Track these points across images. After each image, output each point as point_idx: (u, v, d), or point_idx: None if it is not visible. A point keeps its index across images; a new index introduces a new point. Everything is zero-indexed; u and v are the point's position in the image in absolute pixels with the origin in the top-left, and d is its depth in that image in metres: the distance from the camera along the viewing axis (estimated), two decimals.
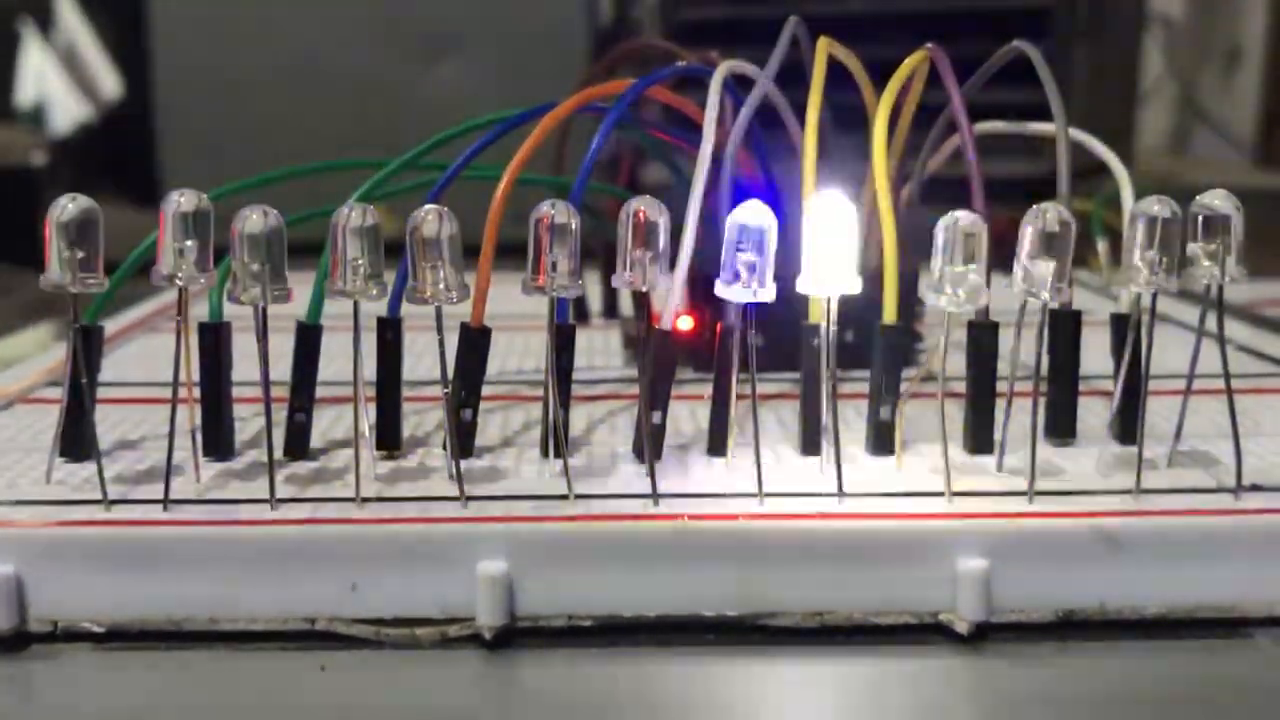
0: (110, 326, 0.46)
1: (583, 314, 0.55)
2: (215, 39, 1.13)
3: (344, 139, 1.05)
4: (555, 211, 0.31)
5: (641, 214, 0.31)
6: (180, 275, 0.30)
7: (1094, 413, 0.38)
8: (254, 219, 0.30)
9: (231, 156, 1.02)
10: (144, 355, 0.50)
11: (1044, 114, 0.38)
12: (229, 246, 0.30)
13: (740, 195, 0.33)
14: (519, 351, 0.49)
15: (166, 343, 0.33)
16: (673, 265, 0.33)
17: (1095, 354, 0.37)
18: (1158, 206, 0.31)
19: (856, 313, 0.34)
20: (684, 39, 0.66)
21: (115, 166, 1.28)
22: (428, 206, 0.31)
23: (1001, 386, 0.34)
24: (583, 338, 0.38)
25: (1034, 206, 0.31)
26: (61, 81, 1.30)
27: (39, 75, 1.30)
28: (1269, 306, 0.59)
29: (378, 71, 1.12)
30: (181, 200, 0.30)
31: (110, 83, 1.32)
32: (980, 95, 0.39)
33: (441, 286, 0.30)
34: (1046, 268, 0.30)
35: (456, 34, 1.12)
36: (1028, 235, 0.31)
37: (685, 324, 0.42)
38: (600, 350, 0.50)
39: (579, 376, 0.39)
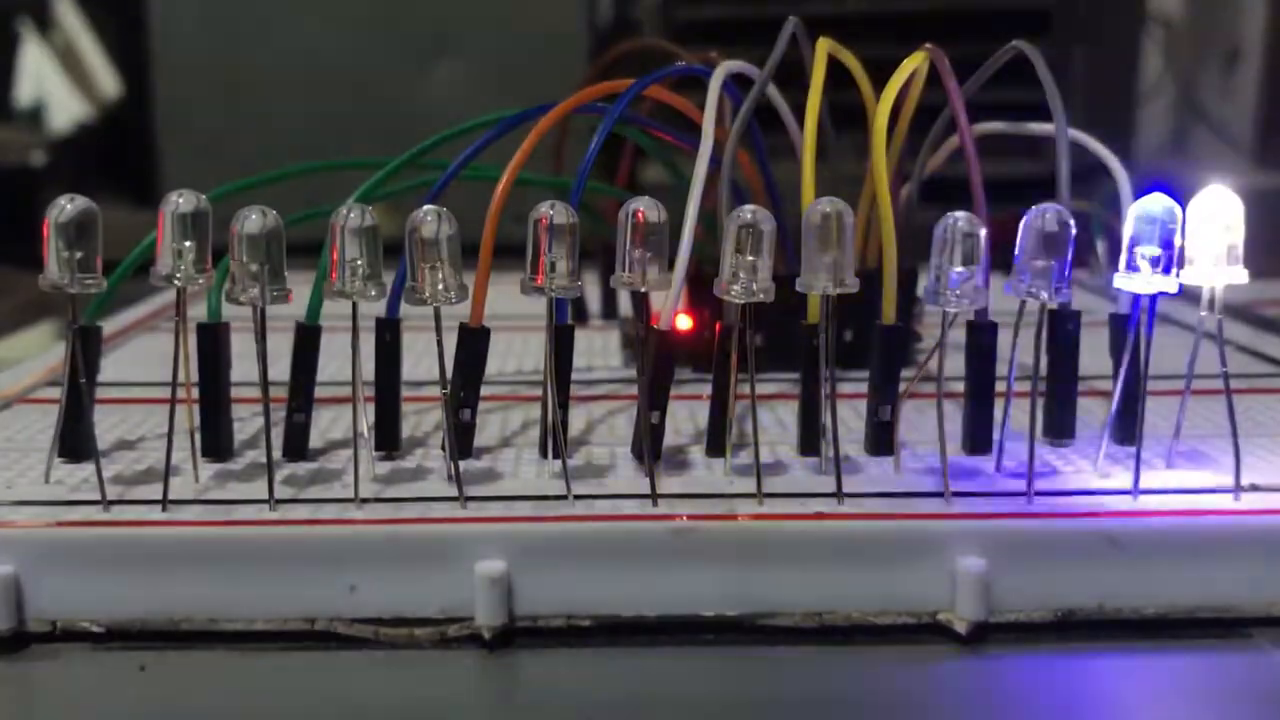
0: (109, 326, 0.47)
1: (582, 314, 0.55)
2: (215, 39, 1.12)
3: (343, 139, 1.05)
4: (554, 212, 0.31)
5: (640, 214, 0.31)
6: (179, 275, 0.30)
7: (1093, 413, 0.38)
8: (253, 219, 0.30)
9: (231, 157, 1.02)
10: (143, 355, 0.50)
11: (1043, 114, 0.38)
12: (228, 247, 0.30)
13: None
14: (518, 352, 0.49)
15: (165, 343, 0.33)
16: (672, 265, 0.33)
17: (1094, 354, 0.37)
18: (1158, 206, 0.31)
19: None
20: (683, 39, 0.66)
21: (114, 166, 1.28)
22: (426, 207, 0.31)
23: (1000, 386, 0.34)
24: (582, 338, 0.38)
25: (1033, 207, 0.31)
26: (60, 81, 1.30)
27: (38, 74, 1.30)
28: (1268, 307, 0.59)
29: (377, 71, 1.12)
30: (180, 201, 0.30)
31: (109, 82, 1.32)
32: (980, 95, 0.39)
33: (440, 287, 0.30)
34: (1046, 268, 0.30)
35: (456, 34, 1.12)
36: (1027, 235, 0.31)
37: (684, 324, 0.42)
38: (599, 351, 0.50)
39: (578, 377, 0.39)
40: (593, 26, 1.13)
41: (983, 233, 0.30)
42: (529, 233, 0.31)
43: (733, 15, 1.02)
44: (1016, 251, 0.31)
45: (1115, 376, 0.34)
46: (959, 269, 0.30)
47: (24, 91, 1.30)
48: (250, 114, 1.11)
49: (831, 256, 0.31)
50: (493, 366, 0.38)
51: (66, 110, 1.31)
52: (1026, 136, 0.43)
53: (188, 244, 0.30)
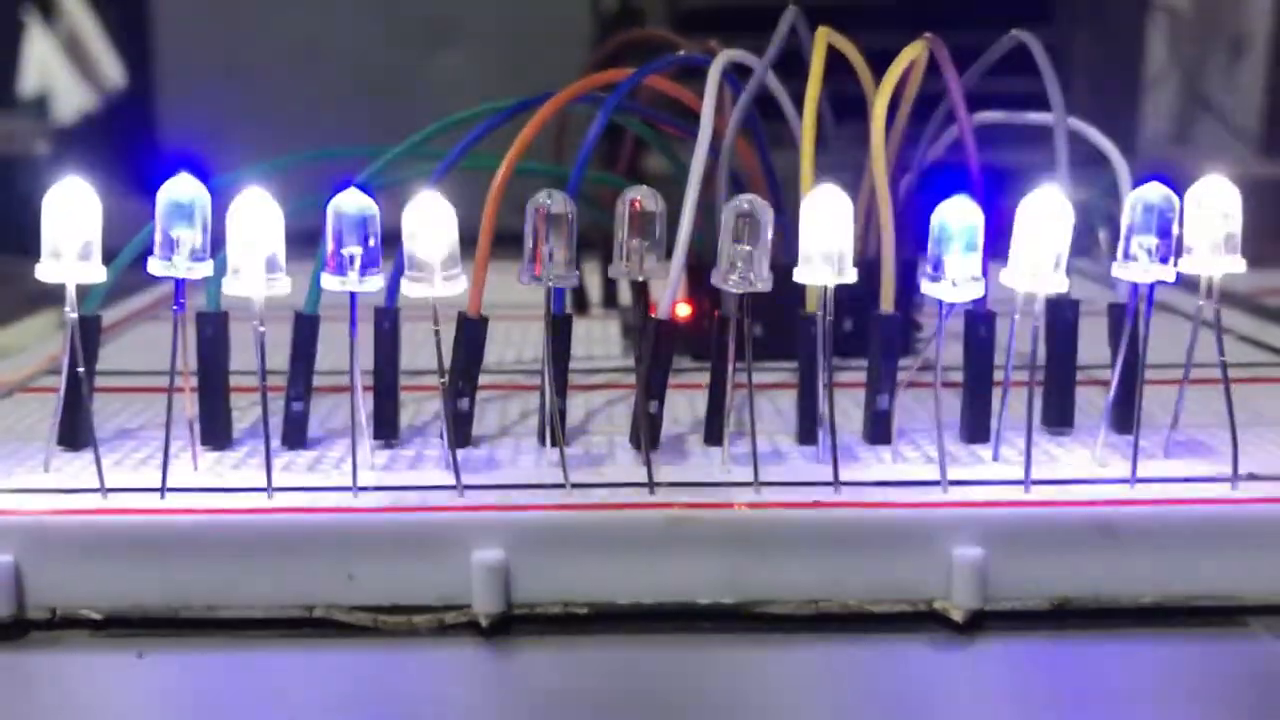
0: (109, 316, 0.46)
1: (582, 304, 0.55)
2: (218, 26, 1.13)
3: (345, 127, 1.05)
4: (552, 201, 0.31)
5: (638, 204, 0.31)
6: (177, 265, 0.30)
7: (1091, 402, 0.38)
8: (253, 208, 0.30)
9: (232, 145, 1.02)
10: (142, 344, 0.50)
11: (1044, 103, 0.38)
12: (228, 235, 0.30)
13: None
14: (516, 341, 0.49)
15: (165, 332, 0.33)
16: (670, 254, 0.33)
17: (1092, 343, 0.37)
18: (1156, 195, 0.31)
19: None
20: (685, 28, 0.66)
21: (117, 155, 1.28)
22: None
23: (998, 376, 0.34)
24: (581, 327, 0.38)
25: (1030, 195, 0.31)
26: (64, 70, 1.30)
27: (42, 64, 1.30)
28: (1268, 296, 0.59)
29: (380, 59, 1.12)
30: (180, 189, 0.30)
31: (113, 71, 1.32)
32: (980, 85, 0.39)
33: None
34: (1042, 257, 0.30)
35: (459, 22, 1.12)
36: (1023, 224, 0.31)
37: (683, 313, 0.42)
38: (599, 339, 0.50)
39: (577, 366, 0.39)
40: (596, 15, 1.13)
41: (981, 222, 0.30)
42: (527, 222, 0.31)
43: (735, 4, 1.01)
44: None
45: (1113, 365, 0.34)
46: (957, 258, 0.30)
47: (28, 81, 1.30)
48: (253, 102, 1.11)
49: (829, 246, 0.31)
50: (491, 355, 0.38)
51: (70, 99, 1.31)
52: (1027, 126, 0.43)
53: (187, 233, 0.30)
